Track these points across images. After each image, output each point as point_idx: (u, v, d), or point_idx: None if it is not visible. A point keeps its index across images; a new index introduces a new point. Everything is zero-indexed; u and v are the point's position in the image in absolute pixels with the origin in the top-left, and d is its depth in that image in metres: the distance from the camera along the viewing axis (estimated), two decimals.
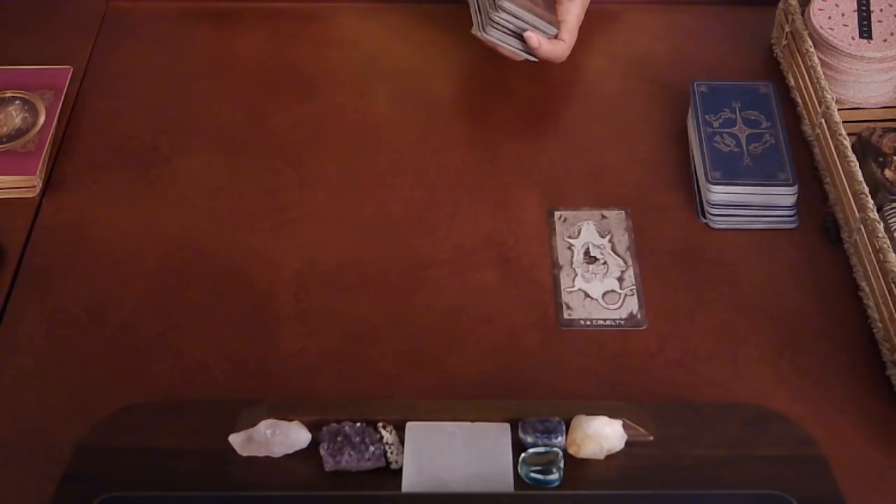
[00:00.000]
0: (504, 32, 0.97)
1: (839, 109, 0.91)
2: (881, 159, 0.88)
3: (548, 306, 0.86)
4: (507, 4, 0.95)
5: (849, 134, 0.89)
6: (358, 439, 0.72)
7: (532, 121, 1.01)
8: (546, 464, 0.71)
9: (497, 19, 0.96)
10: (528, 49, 0.98)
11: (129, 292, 0.87)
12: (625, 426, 0.73)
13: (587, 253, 0.90)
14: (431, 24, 1.10)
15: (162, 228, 0.92)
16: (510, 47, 0.98)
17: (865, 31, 0.95)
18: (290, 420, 0.73)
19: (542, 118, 1.02)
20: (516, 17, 0.96)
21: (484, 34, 0.97)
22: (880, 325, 0.82)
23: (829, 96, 0.92)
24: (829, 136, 0.92)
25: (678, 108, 1.01)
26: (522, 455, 0.72)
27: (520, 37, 0.98)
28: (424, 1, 1.12)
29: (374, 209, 0.94)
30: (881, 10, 0.97)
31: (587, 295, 0.87)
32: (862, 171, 0.86)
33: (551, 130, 1.01)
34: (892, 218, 0.84)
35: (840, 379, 0.81)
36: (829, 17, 0.97)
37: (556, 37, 0.99)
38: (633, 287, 0.87)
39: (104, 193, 0.95)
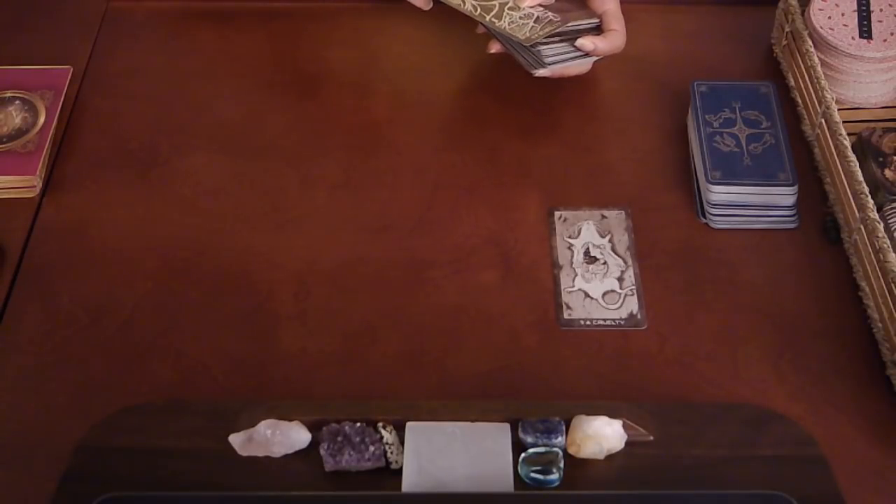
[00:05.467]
0: (559, 56, 0.97)
1: (839, 109, 0.91)
2: (881, 159, 0.88)
3: (548, 306, 0.86)
4: (543, 44, 0.94)
5: (849, 134, 0.89)
6: (358, 439, 0.72)
7: (532, 121, 1.01)
8: (546, 464, 0.71)
9: (546, 51, 0.96)
10: (588, 53, 0.98)
11: (129, 292, 0.87)
12: (625, 426, 0.73)
13: (587, 253, 0.90)
14: (431, 24, 1.10)
15: (162, 228, 0.92)
16: (574, 62, 0.98)
17: (865, 31, 0.95)
18: (290, 420, 0.73)
19: (542, 118, 1.01)
20: (559, 38, 0.96)
21: (542, 70, 0.97)
22: (880, 325, 0.82)
23: (829, 96, 0.92)
24: (829, 136, 0.92)
25: (678, 108, 1.01)
26: (522, 455, 0.72)
27: (574, 49, 0.97)
28: None
29: (374, 209, 0.94)
30: (881, 10, 0.97)
31: (587, 295, 0.87)
32: (862, 171, 0.85)
33: (551, 130, 1.00)
34: (892, 218, 0.83)
35: (840, 379, 0.81)
36: (829, 17, 0.97)
37: (600, 28, 0.98)
38: (633, 287, 0.87)
39: (104, 193, 0.95)
